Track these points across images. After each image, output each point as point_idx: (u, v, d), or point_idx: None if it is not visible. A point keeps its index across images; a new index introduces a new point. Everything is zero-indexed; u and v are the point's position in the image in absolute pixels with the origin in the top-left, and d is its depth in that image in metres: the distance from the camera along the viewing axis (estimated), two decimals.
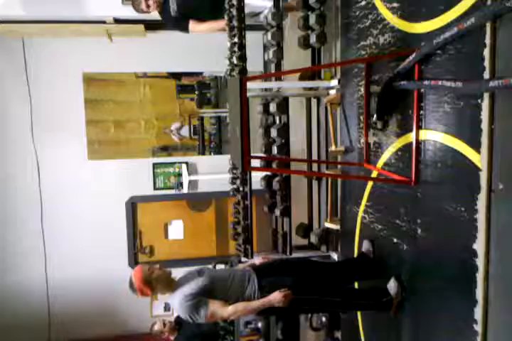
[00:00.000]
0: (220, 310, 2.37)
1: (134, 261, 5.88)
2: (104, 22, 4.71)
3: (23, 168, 5.50)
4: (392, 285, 2.51)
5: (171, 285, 2.49)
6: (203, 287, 2.42)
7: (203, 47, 5.42)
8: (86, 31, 4.92)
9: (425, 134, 2.22)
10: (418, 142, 2.27)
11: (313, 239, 3.54)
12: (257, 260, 2.90)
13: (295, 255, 3.61)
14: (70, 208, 5.62)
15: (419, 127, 2.26)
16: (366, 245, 2.81)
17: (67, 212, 5.61)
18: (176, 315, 5.40)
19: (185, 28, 3.96)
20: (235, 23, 3.52)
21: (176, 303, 2.43)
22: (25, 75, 5.30)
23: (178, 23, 3.97)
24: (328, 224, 3.43)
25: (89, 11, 4.58)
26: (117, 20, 4.73)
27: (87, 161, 5.66)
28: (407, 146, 2.38)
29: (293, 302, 2.43)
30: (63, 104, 5.53)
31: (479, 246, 1.88)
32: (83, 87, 5.61)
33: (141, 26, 4.81)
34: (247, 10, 3.51)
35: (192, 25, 3.90)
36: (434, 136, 2.15)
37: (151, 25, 4.93)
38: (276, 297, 2.37)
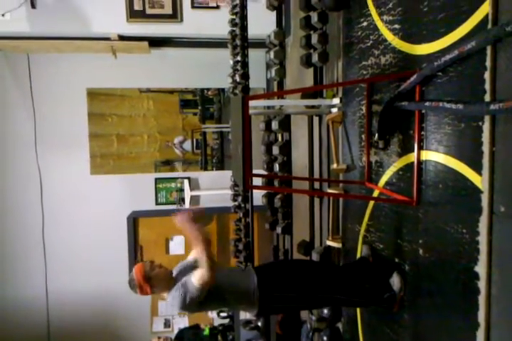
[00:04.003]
0: (199, 273, 2.31)
1: None
2: (108, 38, 4.77)
3: (25, 182, 5.52)
4: (395, 280, 2.50)
5: (170, 284, 2.44)
6: None
7: (206, 64, 5.48)
8: (91, 47, 4.98)
9: (426, 155, 2.23)
10: (419, 162, 2.27)
11: (315, 256, 3.52)
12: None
13: None
14: (71, 222, 5.62)
15: (420, 148, 2.26)
16: (365, 250, 2.83)
17: (68, 227, 5.61)
18: (176, 332, 5.36)
19: None
20: (237, 41, 3.57)
21: (170, 298, 2.40)
22: (29, 90, 5.36)
23: None
24: (329, 243, 3.42)
25: (94, 28, 4.65)
26: (122, 37, 4.79)
27: (90, 176, 5.68)
28: (409, 166, 2.39)
29: (293, 299, 2.43)
30: (67, 118, 5.57)
31: (481, 268, 1.87)
32: (87, 101, 5.66)
33: (146, 43, 4.87)
34: None
35: None
36: (436, 157, 2.15)
37: (155, 42, 5.00)
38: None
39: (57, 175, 5.56)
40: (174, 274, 2.51)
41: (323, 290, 2.55)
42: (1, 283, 5.54)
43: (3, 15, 4.35)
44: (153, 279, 2.40)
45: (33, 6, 4.40)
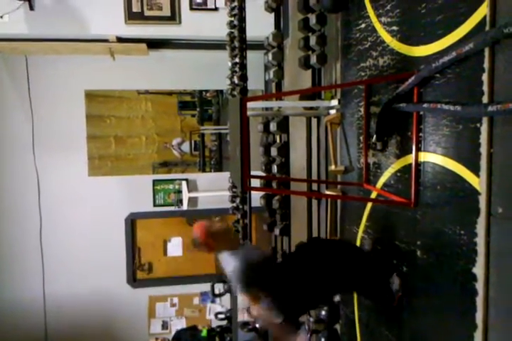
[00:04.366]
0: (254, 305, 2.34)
1: (132, 278, 5.84)
2: (107, 40, 4.77)
3: (23, 183, 5.51)
4: (394, 281, 2.49)
5: (232, 244, 2.45)
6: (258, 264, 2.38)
7: (204, 65, 5.49)
8: (89, 49, 4.98)
9: (424, 156, 2.23)
10: (417, 164, 2.27)
11: None
12: None
13: None
14: (69, 224, 5.61)
15: (418, 149, 2.26)
16: (367, 244, 2.82)
17: (66, 229, 5.60)
18: (174, 333, 5.35)
19: None
20: (236, 43, 3.57)
21: (230, 266, 2.36)
22: (27, 92, 5.36)
23: None
24: None
25: (92, 30, 4.64)
26: (120, 39, 4.78)
27: (87, 177, 5.67)
28: (407, 168, 2.39)
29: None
30: (65, 120, 5.57)
31: (479, 270, 1.87)
32: (85, 103, 5.66)
33: (144, 45, 4.87)
34: None
35: None
36: (433, 159, 2.15)
37: (153, 44, 5.00)
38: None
39: (54, 177, 5.55)
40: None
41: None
42: None
43: (1, 17, 4.34)
44: (215, 234, 2.40)
45: (31, 7, 4.39)
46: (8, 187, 5.49)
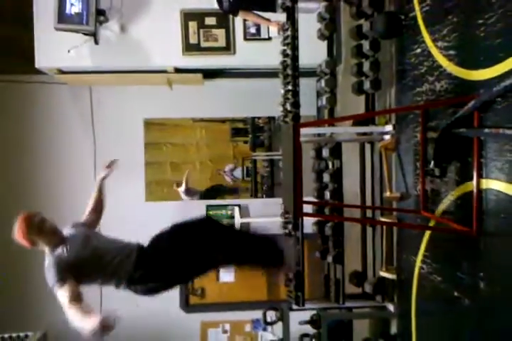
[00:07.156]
0: (64, 297, 2.26)
1: (185, 303, 5.86)
2: (165, 71, 4.97)
3: (81, 207, 5.72)
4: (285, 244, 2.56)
5: (54, 240, 2.42)
6: (73, 260, 2.38)
7: (256, 93, 5.57)
8: (148, 80, 5.20)
9: (487, 183, 2.14)
10: (479, 191, 2.19)
11: (368, 288, 3.42)
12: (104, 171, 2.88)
13: (348, 304, 3.49)
14: None
15: (479, 176, 2.18)
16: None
17: None
18: None
19: (235, 14, 4.28)
20: (289, 71, 3.63)
21: (46, 264, 2.36)
22: (91, 121, 5.63)
23: (230, 11, 4.22)
24: (383, 273, 3.31)
25: (152, 62, 4.86)
26: (178, 70, 4.97)
27: (145, 202, 5.82)
28: (468, 195, 2.30)
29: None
30: (125, 147, 5.78)
31: None
32: (143, 131, 5.87)
33: (200, 75, 5.04)
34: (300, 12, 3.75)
35: (242, 14, 4.20)
36: (497, 186, 2.07)
37: (208, 74, 5.15)
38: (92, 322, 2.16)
39: (113, 202, 5.70)
40: (65, 233, 2.54)
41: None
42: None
43: (69, 51, 4.63)
44: (38, 232, 2.39)
45: (96, 42, 4.66)
46: (66, 211, 5.70)
